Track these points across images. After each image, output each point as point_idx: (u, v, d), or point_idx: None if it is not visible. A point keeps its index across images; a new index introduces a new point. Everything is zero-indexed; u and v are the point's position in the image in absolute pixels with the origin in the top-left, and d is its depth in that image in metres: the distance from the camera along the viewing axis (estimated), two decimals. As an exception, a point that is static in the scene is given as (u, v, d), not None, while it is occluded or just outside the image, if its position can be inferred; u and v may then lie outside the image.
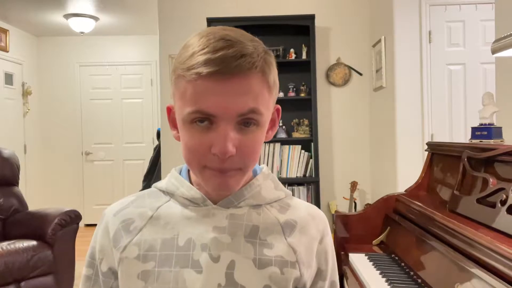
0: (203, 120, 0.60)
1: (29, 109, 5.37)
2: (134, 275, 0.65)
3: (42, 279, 2.69)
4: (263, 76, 0.61)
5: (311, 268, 0.69)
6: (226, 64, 0.57)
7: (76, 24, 4.80)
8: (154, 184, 0.74)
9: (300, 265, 0.67)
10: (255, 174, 0.71)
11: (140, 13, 4.72)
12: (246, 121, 0.61)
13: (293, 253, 0.67)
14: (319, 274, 0.71)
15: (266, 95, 0.62)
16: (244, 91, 0.59)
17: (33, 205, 3.37)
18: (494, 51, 1.20)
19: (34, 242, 2.71)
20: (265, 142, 3.86)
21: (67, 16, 4.71)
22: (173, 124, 0.68)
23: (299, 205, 0.72)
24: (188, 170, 0.71)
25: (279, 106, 0.71)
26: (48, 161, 5.63)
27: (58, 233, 2.79)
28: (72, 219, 2.88)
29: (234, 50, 0.58)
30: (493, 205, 1.14)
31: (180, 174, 0.72)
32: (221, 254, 0.64)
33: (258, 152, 0.64)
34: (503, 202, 1.09)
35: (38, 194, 5.38)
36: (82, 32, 4.93)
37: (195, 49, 0.59)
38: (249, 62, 0.59)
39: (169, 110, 0.68)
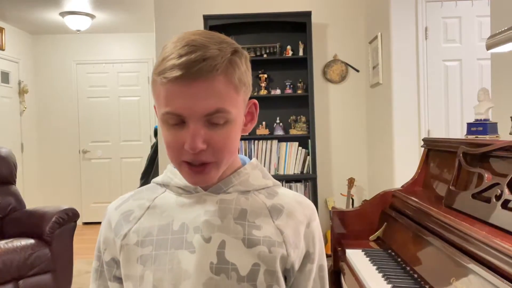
0: (175, 120, 0.66)
1: (25, 108, 5.36)
2: (134, 260, 0.71)
3: (40, 278, 2.69)
4: (226, 77, 0.65)
5: (298, 249, 0.73)
6: (188, 69, 0.62)
7: (72, 22, 4.78)
8: (153, 180, 0.80)
9: (287, 245, 0.71)
10: (243, 164, 0.77)
11: (136, 11, 4.71)
12: (215, 119, 0.66)
13: (280, 234, 0.71)
14: (308, 257, 0.75)
15: (233, 94, 0.67)
16: (208, 93, 0.64)
17: (30, 204, 3.37)
18: (488, 47, 1.20)
19: (32, 241, 2.72)
20: (262, 139, 3.86)
21: (63, 14, 4.70)
22: None
23: (287, 193, 0.77)
24: None
25: (255, 101, 0.75)
26: (45, 160, 5.63)
27: (56, 232, 2.79)
28: (69, 217, 2.89)
29: (196, 54, 0.63)
30: (488, 200, 1.15)
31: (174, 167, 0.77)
32: (212, 235, 0.69)
33: (231, 146, 0.69)
34: (498, 197, 1.10)
35: (35, 192, 5.38)
36: (78, 30, 4.91)
37: (165, 55, 0.65)
38: (210, 65, 0.63)
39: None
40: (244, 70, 0.70)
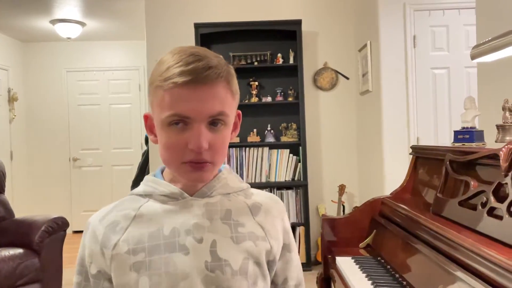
0: (178, 122, 0.71)
1: (15, 115, 5.32)
2: (127, 268, 0.72)
3: (29, 287, 2.66)
4: (228, 84, 0.74)
5: (278, 241, 0.82)
6: (197, 74, 0.70)
7: (62, 30, 4.77)
8: (131, 192, 0.82)
9: (269, 238, 0.80)
10: (219, 171, 0.84)
11: (127, 18, 4.71)
12: (215, 121, 0.73)
13: (262, 229, 0.80)
14: (285, 247, 0.84)
15: (230, 99, 0.75)
16: (213, 96, 0.72)
17: (20, 213, 3.33)
18: (473, 57, 1.22)
19: (20, 250, 2.69)
20: (253, 146, 3.85)
21: (54, 21, 4.69)
22: (150, 130, 0.79)
23: (260, 193, 0.86)
24: (162, 172, 0.83)
25: (239, 111, 0.82)
26: (35, 168, 5.58)
27: (45, 241, 2.76)
28: (59, 226, 2.86)
29: (203, 63, 0.71)
30: (474, 208, 1.16)
31: (155, 176, 0.82)
32: (203, 236, 0.74)
33: (225, 149, 0.76)
34: (483, 205, 1.11)
35: (25, 201, 5.32)
36: (69, 38, 4.90)
37: (170, 64, 0.71)
38: (216, 72, 0.71)
39: (146, 118, 0.80)
40: (236, 82, 0.78)
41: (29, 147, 5.58)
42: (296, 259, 0.87)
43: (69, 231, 3.11)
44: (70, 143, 5.63)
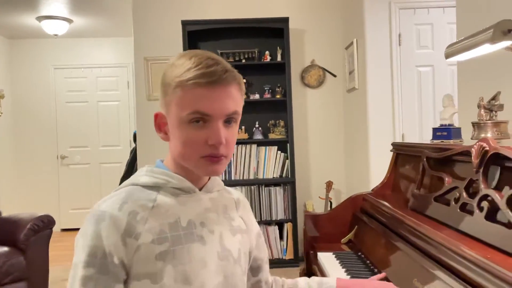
0: (198, 119, 0.78)
1: (1, 113, 5.26)
2: (152, 257, 0.76)
3: (14, 286, 2.65)
4: (240, 86, 0.83)
5: (253, 233, 0.96)
6: (218, 76, 0.78)
7: (49, 27, 4.73)
8: (134, 181, 0.82)
9: (249, 232, 0.94)
10: None
11: (114, 15, 4.69)
12: (229, 119, 0.81)
13: (244, 222, 0.93)
14: (258, 235, 1.00)
15: (241, 100, 0.84)
16: (229, 96, 0.80)
17: (7, 211, 3.31)
18: (447, 56, 1.25)
19: (6, 248, 2.68)
20: (241, 143, 3.86)
21: (40, 18, 4.65)
22: (159, 128, 0.86)
23: (232, 189, 0.99)
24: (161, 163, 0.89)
25: None
26: (22, 166, 5.54)
27: (30, 239, 2.76)
28: (45, 224, 2.85)
29: (221, 66, 0.79)
30: (448, 203, 1.19)
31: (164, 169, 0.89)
32: (214, 228, 0.85)
33: (234, 145, 0.85)
34: (456, 200, 1.14)
35: (12, 199, 5.28)
36: (55, 35, 4.86)
37: (190, 66, 0.78)
38: (232, 75, 0.80)
39: (156, 116, 0.86)
40: (244, 84, 0.87)
41: (16, 145, 5.53)
42: (264, 241, 1.03)
43: (57, 229, 3.11)
44: (58, 140, 5.60)
